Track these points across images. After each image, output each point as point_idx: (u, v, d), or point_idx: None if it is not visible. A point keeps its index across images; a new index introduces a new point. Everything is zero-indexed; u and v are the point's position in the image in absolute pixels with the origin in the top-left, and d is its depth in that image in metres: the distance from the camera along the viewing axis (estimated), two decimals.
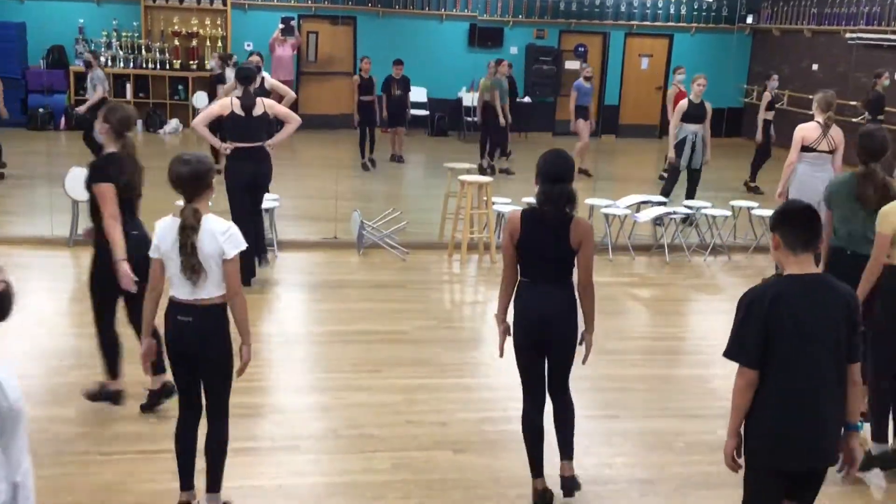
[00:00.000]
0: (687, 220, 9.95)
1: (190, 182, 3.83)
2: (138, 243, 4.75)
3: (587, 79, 13.45)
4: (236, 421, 4.58)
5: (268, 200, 8.89)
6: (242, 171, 7.37)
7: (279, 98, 8.99)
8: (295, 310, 7.38)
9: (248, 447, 4.80)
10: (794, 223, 3.37)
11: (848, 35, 14.87)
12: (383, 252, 8.78)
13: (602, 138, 17.06)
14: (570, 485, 4.34)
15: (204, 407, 4.08)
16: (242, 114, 7.34)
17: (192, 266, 3.80)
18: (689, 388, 5.95)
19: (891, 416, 4.84)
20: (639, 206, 9.71)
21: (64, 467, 4.55)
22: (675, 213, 9.53)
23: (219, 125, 7.90)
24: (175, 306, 3.93)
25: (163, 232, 3.89)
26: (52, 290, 7.57)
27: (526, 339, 4.30)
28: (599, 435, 5.19)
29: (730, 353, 3.41)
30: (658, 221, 9.52)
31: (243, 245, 3.91)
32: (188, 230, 3.79)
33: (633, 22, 17.90)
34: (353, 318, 6.93)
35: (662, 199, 10.00)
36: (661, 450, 5.04)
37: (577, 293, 4.26)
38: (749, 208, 9.90)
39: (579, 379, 6.02)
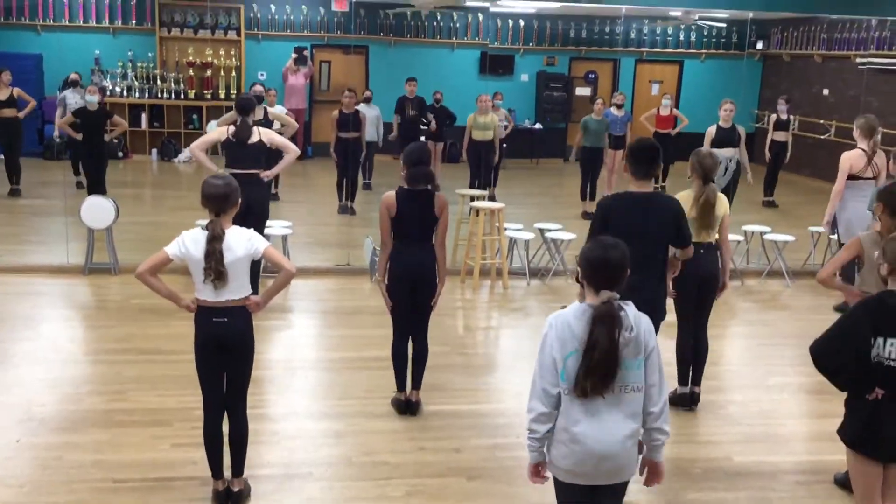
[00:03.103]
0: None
1: (219, 199, 4.27)
2: None
3: (617, 106, 13.14)
4: (249, 448, 4.59)
5: (281, 227, 8.96)
6: None
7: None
8: (308, 336, 7.40)
9: (262, 474, 4.80)
10: (640, 159, 4.71)
11: (858, 60, 14.89)
12: None
13: None
14: (415, 407, 5.69)
15: (227, 402, 4.47)
16: (235, 140, 7.41)
17: (218, 272, 4.18)
18: (704, 414, 5.92)
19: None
20: None
21: (78, 494, 4.55)
22: None
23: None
24: (207, 310, 4.29)
25: (193, 241, 4.25)
26: (68, 317, 7.62)
27: (402, 286, 5.47)
28: None
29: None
30: None
31: (266, 242, 4.36)
32: (215, 240, 4.19)
33: (643, 49, 17.99)
34: (367, 345, 6.93)
35: None
36: (678, 476, 5.01)
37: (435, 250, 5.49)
38: (762, 233, 9.88)
39: None
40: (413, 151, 5.53)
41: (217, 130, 7.80)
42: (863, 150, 7.84)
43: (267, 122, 9.17)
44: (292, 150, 7.65)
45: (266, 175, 7.56)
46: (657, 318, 4.91)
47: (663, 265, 4.92)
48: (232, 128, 7.46)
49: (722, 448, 5.42)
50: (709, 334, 6.01)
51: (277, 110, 12.73)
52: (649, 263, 4.77)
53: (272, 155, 7.89)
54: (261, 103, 9.61)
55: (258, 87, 10.83)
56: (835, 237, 8.53)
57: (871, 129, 7.87)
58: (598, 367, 3.13)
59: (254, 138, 7.42)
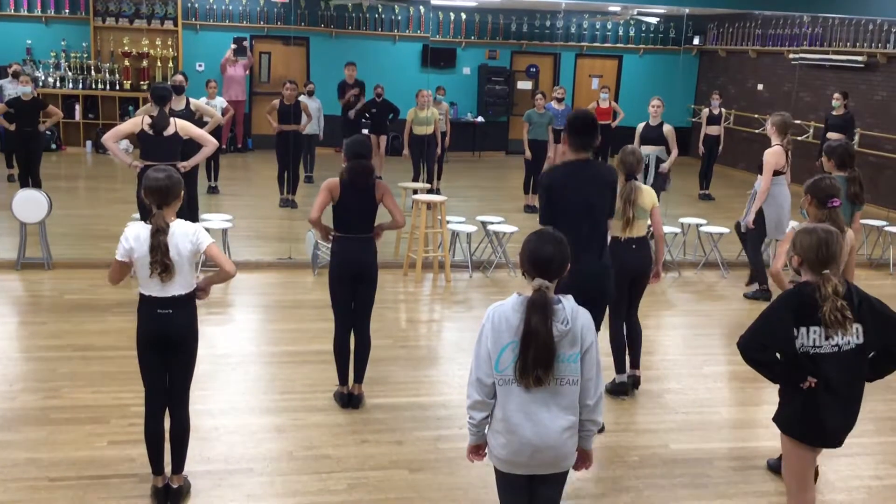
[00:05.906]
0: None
1: (163, 192, 4.17)
2: None
3: (557, 100, 13.15)
4: (190, 444, 4.54)
5: (221, 221, 8.86)
6: None
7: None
8: (249, 330, 7.33)
9: (203, 470, 4.75)
10: (579, 131, 4.83)
11: (791, 56, 15.26)
12: None
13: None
14: (358, 401, 5.67)
15: (169, 398, 4.39)
16: (151, 132, 7.30)
17: (164, 264, 4.10)
18: (642, 403, 6.03)
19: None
20: None
21: (12, 494, 4.45)
22: None
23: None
24: (152, 301, 4.21)
25: (136, 238, 4.16)
26: (0, 314, 7.43)
27: (343, 276, 5.50)
28: None
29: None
30: None
31: (210, 238, 4.26)
32: (159, 233, 4.11)
33: (583, 43, 18.16)
34: (308, 339, 6.90)
35: None
36: (615, 464, 5.10)
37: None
38: (698, 226, 10.07)
39: None
40: (353, 144, 5.55)
41: (132, 121, 7.66)
42: (780, 145, 8.15)
43: (189, 114, 9.04)
44: (210, 142, 7.55)
45: (183, 167, 7.45)
46: (604, 297, 5.03)
47: (605, 240, 5.03)
48: (148, 118, 7.34)
49: (659, 436, 5.53)
50: (647, 324, 6.13)
51: (218, 102, 12.59)
52: (593, 239, 4.88)
53: (190, 146, 7.75)
54: (180, 93, 9.44)
55: (179, 77, 10.60)
56: (745, 231, 8.68)
57: (786, 125, 8.24)
58: (538, 356, 3.17)
59: (170, 130, 7.31)
